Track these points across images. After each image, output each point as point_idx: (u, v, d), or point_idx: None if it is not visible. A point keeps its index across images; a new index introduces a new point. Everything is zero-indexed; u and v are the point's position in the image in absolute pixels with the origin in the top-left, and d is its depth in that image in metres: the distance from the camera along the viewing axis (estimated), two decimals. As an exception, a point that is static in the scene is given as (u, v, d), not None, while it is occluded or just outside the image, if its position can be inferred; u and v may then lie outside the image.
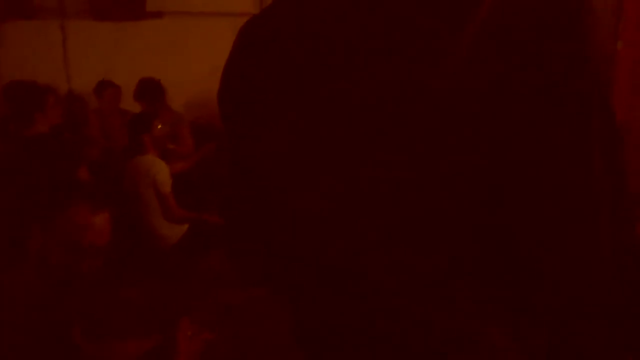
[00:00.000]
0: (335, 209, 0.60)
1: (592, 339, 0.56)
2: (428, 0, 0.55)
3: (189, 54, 4.60)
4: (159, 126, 3.12)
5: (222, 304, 2.78)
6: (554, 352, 0.57)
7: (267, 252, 0.73)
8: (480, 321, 0.59)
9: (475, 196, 0.54)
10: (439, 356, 0.60)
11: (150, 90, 3.93)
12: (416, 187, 0.54)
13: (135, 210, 3.13)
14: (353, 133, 0.57)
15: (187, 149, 3.89)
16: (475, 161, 0.52)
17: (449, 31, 0.53)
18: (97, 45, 4.45)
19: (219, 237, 3.28)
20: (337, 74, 0.58)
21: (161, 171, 3.06)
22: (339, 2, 0.60)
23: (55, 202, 1.99)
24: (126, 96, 4.24)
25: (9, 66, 4.22)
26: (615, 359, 0.58)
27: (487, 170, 0.52)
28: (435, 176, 0.54)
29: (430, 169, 0.54)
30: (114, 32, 4.48)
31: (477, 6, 0.52)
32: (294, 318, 0.73)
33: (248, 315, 2.75)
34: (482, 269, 0.56)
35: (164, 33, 4.58)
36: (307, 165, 0.61)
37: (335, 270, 0.63)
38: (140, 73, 4.14)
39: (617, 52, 3.71)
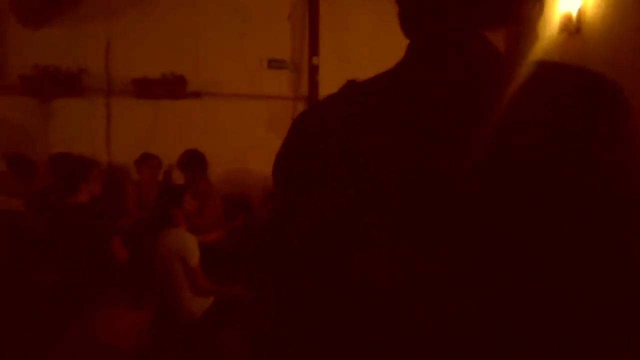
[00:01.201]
0: (414, 281, 0.62)
1: None
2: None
3: (223, 132, 4.82)
4: (190, 201, 3.24)
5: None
6: None
7: (321, 328, 0.69)
8: None
9: (543, 279, 0.59)
10: None
11: (194, 160, 4.12)
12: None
13: (163, 282, 3.20)
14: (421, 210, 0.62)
15: (218, 221, 3.99)
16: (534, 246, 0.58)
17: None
18: (138, 121, 4.72)
19: (244, 311, 3.31)
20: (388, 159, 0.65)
21: (190, 245, 3.15)
22: (381, 102, 0.70)
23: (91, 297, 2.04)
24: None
25: (57, 139, 4.49)
26: None
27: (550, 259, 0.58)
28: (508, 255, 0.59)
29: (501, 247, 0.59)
30: (155, 109, 4.75)
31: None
32: None
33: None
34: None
35: (201, 112, 4.84)
36: (382, 237, 0.63)
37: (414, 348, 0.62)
38: (177, 148, 4.35)
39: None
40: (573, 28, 3.60)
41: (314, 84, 4.99)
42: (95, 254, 3.03)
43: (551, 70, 0.65)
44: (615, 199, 0.58)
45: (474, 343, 0.60)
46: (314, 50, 4.97)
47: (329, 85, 4.57)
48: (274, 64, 5.03)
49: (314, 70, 4.98)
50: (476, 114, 0.62)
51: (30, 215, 3.45)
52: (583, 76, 0.63)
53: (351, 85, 0.77)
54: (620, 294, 0.59)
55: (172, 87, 4.74)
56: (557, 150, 0.58)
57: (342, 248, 0.66)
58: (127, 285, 3.13)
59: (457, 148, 0.62)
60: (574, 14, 3.60)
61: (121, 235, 3.35)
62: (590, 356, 0.60)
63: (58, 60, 4.50)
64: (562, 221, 0.58)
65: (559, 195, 0.57)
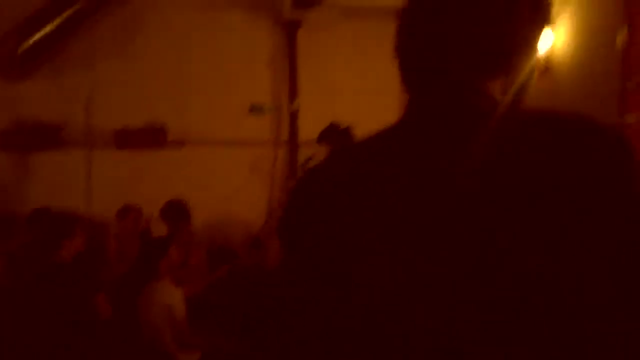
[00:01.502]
0: (415, 282, 0.66)
1: None
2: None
3: (205, 180, 4.82)
4: (176, 252, 3.21)
5: None
6: None
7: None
8: None
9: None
10: None
11: (177, 211, 4.09)
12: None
13: (149, 336, 3.14)
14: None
15: (202, 271, 3.95)
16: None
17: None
18: (119, 172, 4.69)
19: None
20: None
21: (176, 298, 3.11)
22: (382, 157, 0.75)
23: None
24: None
25: (36, 194, 4.43)
26: None
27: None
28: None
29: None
30: (136, 159, 4.74)
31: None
32: None
33: None
34: None
35: (183, 160, 4.84)
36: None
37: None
38: (159, 198, 4.32)
39: None
40: (542, 67, 3.72)
41: (294, 129, 5.05)
42: (79, 313, 2.97)
43: (552, 119, 0.69)
44: (616, 204, 0.62)
45: (475, 343, 0.62)
46: (293, 94, 5.04)
47: (309, 128, 4.63)
48: (255, 108, 5.07)
49: (294, 115, 5.04)
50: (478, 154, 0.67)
51: (9, 275, 3.38)
52: (585, 124, 0.68)
53: (352, 145, 0.82)
54: (619, 294, 0.62)
55: (153, 137, 4.75)
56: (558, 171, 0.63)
57: (345, 256, 0.71)
58: (113, 343, 3.07)
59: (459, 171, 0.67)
60: (543, 54, 3.72)
61: (104, 291, 3.29)
62: (590, 356, 0.62)
63: (39, 114, 4.49)
64: (561, 223, 0.61)
65: (559, 197, 0.62)
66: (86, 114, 4.63)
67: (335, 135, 4.02)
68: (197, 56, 4.91)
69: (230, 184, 4.98)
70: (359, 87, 5.19)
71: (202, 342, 3.22)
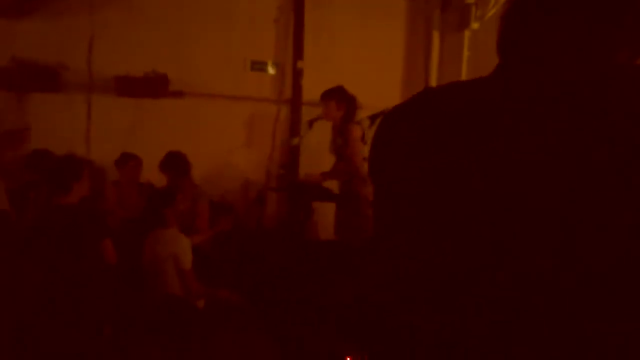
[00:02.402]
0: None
1: None
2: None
3: (205, 133, 4.79)
4: (183, 201, 3.21)
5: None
6: None
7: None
8: None
9: None
10: None
11: (176, 162, 4.05)
12: None
13: (153, 282, 3.16)
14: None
15: (204, 223, 3.96)
16: None
17: None
18: (119, 120, 4.62)
19: (233, 314, 3.31)
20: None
21: (183, 247, 3.12)
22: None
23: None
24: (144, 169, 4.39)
25: (34, 136, 4.35)
26: None
27: None
28: None
29: None
30: (136, 108, 4.67)
31: None
32: None
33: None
34: None
35: (183, 112, 4.79)
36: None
37: None
38: (158, 148, 4.28)
39: None
40: None
41: (298, 88, 5.02)
42: (87, 256, 2.97)
43: None
44: None
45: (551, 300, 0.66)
46: (298, 54, 5.00)
47: (313, 88, 4.62)
48: (257, 66, 5.03)
49: (298, 74, 5.01)
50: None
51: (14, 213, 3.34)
52: None
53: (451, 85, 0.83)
54: None
55: (155, 86, 4.67)
56: None
57: (437, 196, 0.74)
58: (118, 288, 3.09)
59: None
60: None
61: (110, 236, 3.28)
62: None
63: (37, 54, 4.36)
64: None
65: None
66: (88, 57, 4.52)
67: (341, 96, 4.02)
68: (202, 8, 4.81)
69: (230, 139, 4.97)
70: (363, 50, 5.18)
71: (207, 291, 3.26)
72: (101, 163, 4.51)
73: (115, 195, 4.25)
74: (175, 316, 2.95)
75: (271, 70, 5.07)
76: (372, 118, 3.95)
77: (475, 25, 4.73)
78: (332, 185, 4.22)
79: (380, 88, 5.06)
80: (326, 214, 4.45)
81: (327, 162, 4.17)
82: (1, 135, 4.30)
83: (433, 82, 5.27)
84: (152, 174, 4.32)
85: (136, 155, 4.36)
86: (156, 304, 3.00)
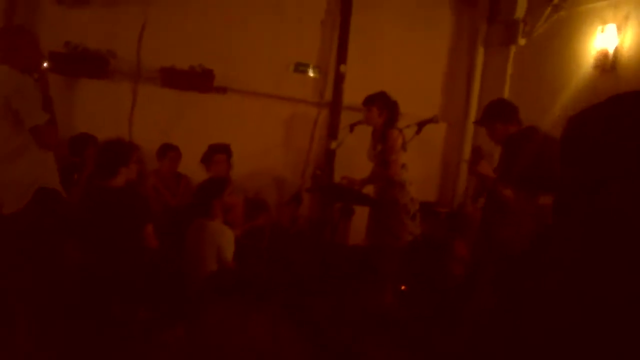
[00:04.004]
0: None
1: None
2: None
3: (244, 130, 4.84)
4: (231, 194, 3.25)
5: None
6: None
7: None
8: None
9: None
10: None
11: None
12: None
13: (193, 272, 3.20)
14: None
15: (240, 217, 4.00)
16: None
17: None
18: (162, 110, 4.70)
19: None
20: None
21: (228, 239, 3.15)
22: None
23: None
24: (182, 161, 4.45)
25: (79, 120, 4.44)
26: None
27: None
28: None
29: None
30: (180, 100, 4.74)
31: None
32: None
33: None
34: None
35: (225, 107, 4.85)
36: None
37: None
38: (198, 142, 4.34)
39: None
40: (608, 65, 3.73)
41: (339, 91, 5.05)
42: (131, 240, 3.02)
43: None
44: None
45: None
46: (341, 58, 5.03)
47: (353, 93, 4.65)
48: (301, 68, 5.08)
49: (340, 77, 5.04)
50: None
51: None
52: None
53: None
54: None
55: (199, 80, 4.74)
56: None
57: None
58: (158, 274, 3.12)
59: None
60: (611, 52, 3.73)
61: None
62: None
63: (89, 41, 4.46)
64: None
65: None
66: (137, 47, 4.60)
67: (384, 102, 4.03)
68: (252, 7, 4.87)
69: (269, 138, 5.01)
70: (406, 56, 5.20)
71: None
72: (143, 151, 4.58)
73: (153, 185, 4.31)
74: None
75: (313, 73, 5.11)
76: (420, 125, 3.95)
77: (522, 41, 4.71)
78: (369, 190, 4.23)
79: (420, 96, 5.07)
80: (359, 218, 4.46)
81: (362, 167, 4.18)
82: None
83: (474, 96, 5.27)
84: (191, 166, 4.38)
85: (176, 147, 4.42)
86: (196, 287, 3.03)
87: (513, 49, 4.86)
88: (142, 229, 3.09)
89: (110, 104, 4.58)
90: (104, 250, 2.95)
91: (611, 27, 3.73)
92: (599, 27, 3.83)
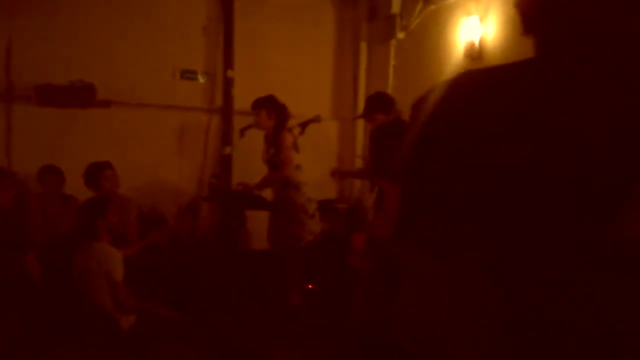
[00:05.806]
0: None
1: None
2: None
3: (133, 143, 4.69)
4: (115, 212, 3.13)
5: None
6: None
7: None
8: None
9: None
10: None
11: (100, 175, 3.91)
12: None
13: (83, 297, 3.06)
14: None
15: (134, 235, 3.87)
16: None
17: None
18: (41, 130, 4.43)
19: (167, 330, 3.23)
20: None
21: (114, 260, 3.03)
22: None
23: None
24: (70, 181, 4.22)
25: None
26: None
27: None
28: None
29: None
30: (60, 118, 4.50)
31: None
32: None
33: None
34: None
35: (111, 121, 4.66)
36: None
37: None
38: (86, 159, 4.14)
39: None
40: (475, 54, 3.98)
41: (228, 97, 5.02)
42: (8, 271, 2.84)
43: None
44: None
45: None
46: (228, 63, 5.00)
47: (244, 97, 4.63)
48: (188, 75, 4.99)
49: (228, 82, 5.01)
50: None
51: None
52: None
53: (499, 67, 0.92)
54: None
55: (80, 95, 4.52)
56: None
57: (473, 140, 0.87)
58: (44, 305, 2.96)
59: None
60: (476, 42, 3.97)
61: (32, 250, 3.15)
62: None
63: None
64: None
65: None
66: (4, 65, 4.32)
67: (272, 105, 4.05)
68: (130, 16, 4.72)
69: (160, 149, 4.89)
70: (294, 58, 5.25)
71: (139, 306, 3.18)
72: (24, 175, 4.31)
73: (38, 209, 4.06)
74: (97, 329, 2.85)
75: (201, 79, 5.04)
76: (303, 125, 4.01)
77: (401, 35, 4.90)
78: (266, 193, 4.24)
79: (310, 96, 5.15)
80: (259, 222, 4.46)
81: (260, 170, 4.18)
82: None
83: (361, 90, 5.42)
84: (80, 187, 4.17)
85: (57, 168, 4.18)
86: (80, 317, 2.90)
87: (394, 43, 5.05)
88: (22, 260, 2.92)
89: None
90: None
91: (474, 19, 3.97)
92: (464, 19, 4.07)
